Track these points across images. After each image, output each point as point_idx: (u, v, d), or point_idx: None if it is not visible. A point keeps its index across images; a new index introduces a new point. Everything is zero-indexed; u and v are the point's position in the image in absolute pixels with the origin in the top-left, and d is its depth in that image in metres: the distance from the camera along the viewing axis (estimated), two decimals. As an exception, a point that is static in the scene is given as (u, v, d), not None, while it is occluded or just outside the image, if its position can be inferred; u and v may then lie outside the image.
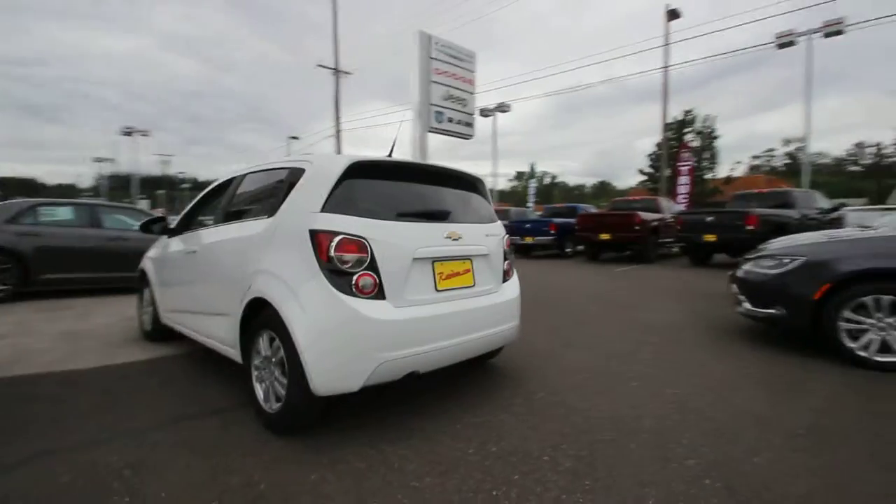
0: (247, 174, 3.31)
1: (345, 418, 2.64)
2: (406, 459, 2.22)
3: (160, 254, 4.13)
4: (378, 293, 2.36)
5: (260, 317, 2.58)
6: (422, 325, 2.47)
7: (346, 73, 32.25)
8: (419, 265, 2.56)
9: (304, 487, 1.98)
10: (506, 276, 3.18)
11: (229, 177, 3.57)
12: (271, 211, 2.73)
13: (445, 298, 2.66)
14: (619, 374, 3.41)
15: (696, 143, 29.53)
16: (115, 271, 7.14)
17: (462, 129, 21.60)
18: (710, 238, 10.81)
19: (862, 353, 3.47)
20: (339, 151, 32.10)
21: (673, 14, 17.50)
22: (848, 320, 3.53)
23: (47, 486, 1.99)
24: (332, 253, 2.31)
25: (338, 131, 32.31)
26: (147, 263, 4.37)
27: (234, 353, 2.89)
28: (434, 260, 2.65)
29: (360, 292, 2.31)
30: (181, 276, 3.62)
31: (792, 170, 64.83)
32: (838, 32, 13.26)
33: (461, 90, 21.47)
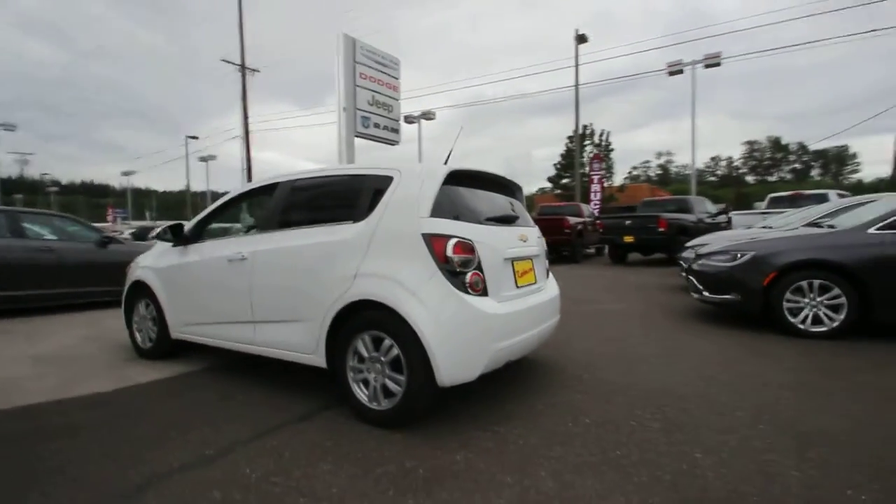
0: (296, 180, 3.30)
1: (438, 410, 2.81)
2: (524, 437, 2.49)
3: (170, 262, 3.84)
4: (484, 290, 2.61)
5: (358, 319, 2.67)
6: (515, 317, 2.76)
7: (254, 70, 30.56)
8: (505, 264, 2.85)
9: (460, 466, 2.17)
10: (547, 273, 3.58)
11: (265, 184, 3.51)
12: (357, 216, 2.82)
13: (523, 294, 2.98)
14: (632, 356, 3.98)
15: (595, 154, 32.84)
16: (43, 288, 6.25)
17: (388, 135, 21.65)
18: (629, 239, 12.32)
19: (800, 326, 4.44)
20: (248, 153, 30.18)
21: (582, 38, 19.48)
22: (788, 300, 4.50)
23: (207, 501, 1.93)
24: (449, 254, 2.51)
25: (246, 132, 30.36)
26: (146, 274, 4.02)
27: (313, 359, 2.90)
28: (514, 259, 2.95)
29: (472, 290, 2.54)
30: (219, 285, 3.45)
31: (663, 179, 74.80)
32: (717, 64, 16.04)
33: (386, 96, 21.57)
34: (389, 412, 2.58)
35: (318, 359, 2.88)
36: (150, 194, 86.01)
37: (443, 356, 2.41)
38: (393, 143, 22.36)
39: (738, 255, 4.86)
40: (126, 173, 52.69)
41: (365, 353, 2.67)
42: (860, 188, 45.90)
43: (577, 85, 19.25)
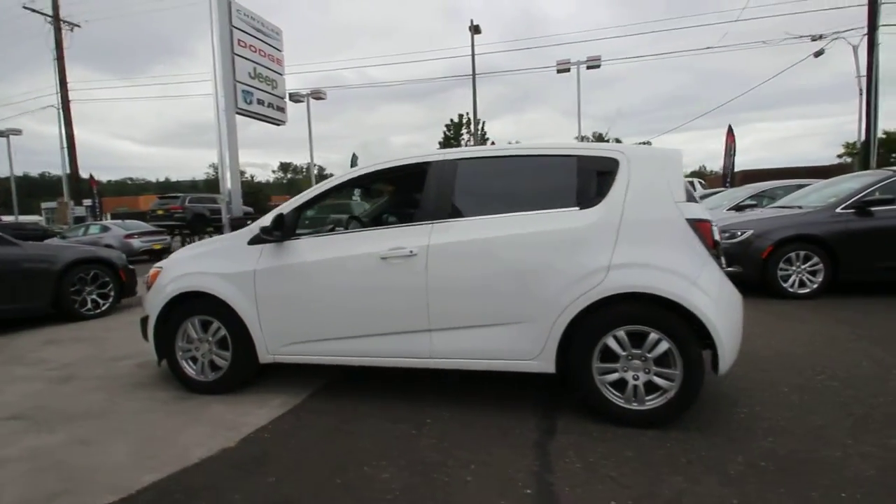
0: (460, 160, 2.79)
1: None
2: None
3: (260, 266, 2.92)
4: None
5: (608, 315, 2.43)
6: None
7: (73, 24, 24.28)
8: None
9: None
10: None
11: (400, 164, 2.91)
12: (584, 202, 2.55)
13: None
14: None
15: (472, 144, 34.37)
16: None
17: (273, 114, 19.66)
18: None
19: (790, 290, 5.42)
20: (69, 129, 23.95)
21: (476, 29, 20.05)
22: (781, 269, 5.44)
23: None
24: (716, 238, 2.44)
25: (65, 101, 24.03)
26: (211, 283, 2.98)
27: (533, 364, 2.55)
28: None
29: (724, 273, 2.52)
30: (367, 290, 2.74)
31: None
32: (598, 66, 18.17)
33: (269, 69, 19.46)
34: (656, 410, 2.42)
35: (542, 364, 2.54)
36: None
37: (729, 345, 2.35)
38: (278, 122, 20.33)
39: (739, 233, 5.68)
40: None
41: (620, 351, 2.44)
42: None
43: (473, 74, 19.84)
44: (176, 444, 2.41)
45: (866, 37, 17.01)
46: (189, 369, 3.13)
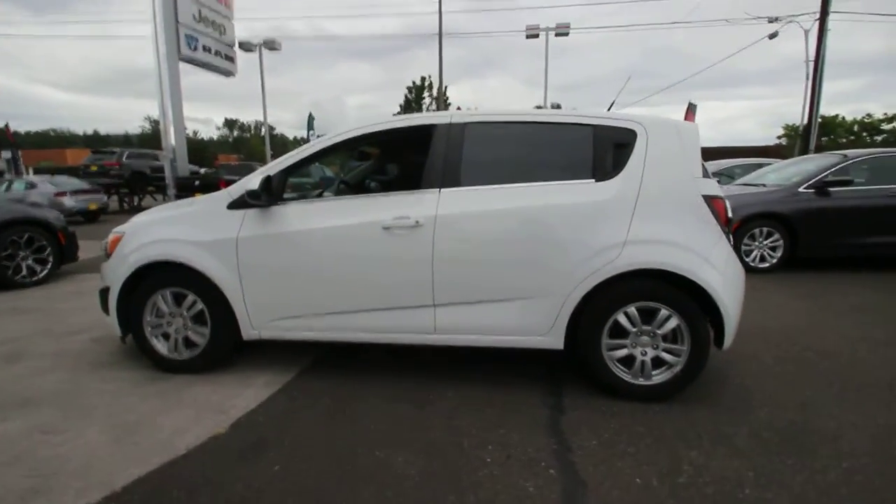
0: (467, 124, 2.60)
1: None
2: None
3: (242, 233, 2.64)
4: None
5: (620, 290, 2.39)
6: None
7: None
8: None
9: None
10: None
11: (399, 126, 2.69)
12: (600, 173, 2.45)
13: None
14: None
15: (434, 108, 33.53)
16: None
17: (222, 63, 18.41)
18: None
19: (752, 264, 5.70)
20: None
21: (442, -15, 19.11)
22: (745, 244, 5.70)
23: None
24: (729, 216, 2.44)
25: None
26: (185, 252, 2.67)
27: (542, 341, 2.50)
28: None
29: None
30: (366, 261, 2.54)
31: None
32: (566, 34, 18.00)
33: (217, 12, 17.98)
34: (662, 385, 2.44)
35: (552, 340, 2.49)
36: None
37: (734, 321, 2.38)
38: (227, 73, 18.92)
39: (708, 209, 5.86)
40: None
41: (630, 327, 2.42)
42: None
43: (440, 34, 19.03)
44: (159, 431, 2.18)
45: (818, 22, 17.81)
46: (160, 346, 2.84)
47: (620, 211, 2.40)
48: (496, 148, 2.66)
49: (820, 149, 15.90)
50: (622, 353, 2.47)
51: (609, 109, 2.82)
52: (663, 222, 2.39)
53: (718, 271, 2.35)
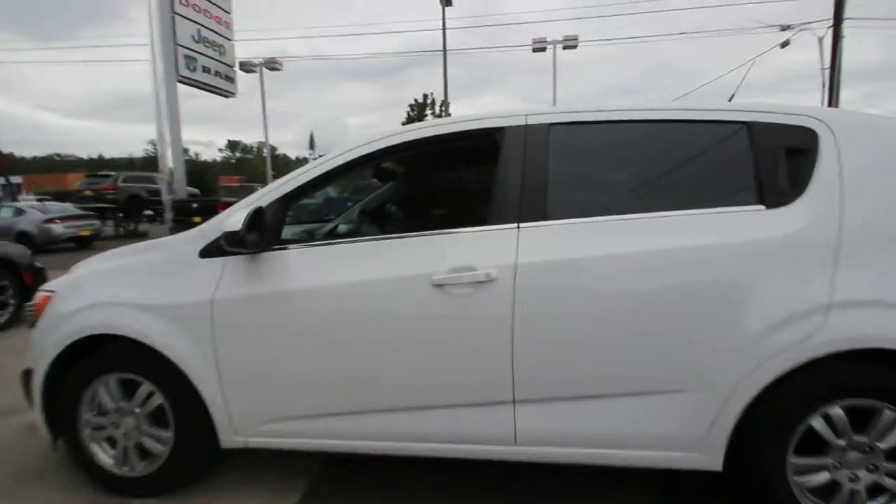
0: (552, 126, 1.74)
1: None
2: None
3: (220, 294, 1.76)
4: None
5: (822, 380, 1.50)
6: None
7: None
8: None
9: None
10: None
11: (456, 129, 1.83)
12: (771, 197, 1.58)
13: None
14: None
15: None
16: None
17: (221, 84, 17.78)
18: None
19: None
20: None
21: (448, 1, 18.66)
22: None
23: None
24: None
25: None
26: (139, 323, 1.80)
27: (687, 458, 1.59)
28: None
29: None
30: (405, 334, 1.67)
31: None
32: (574, 46, 17.35)
33: (217, 33, 17.48)
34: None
35: (702, 457, 1.59)
36: None
37: None
38: (227, 94, 18.35)
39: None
40: None
41: (833, 438, 1.52)
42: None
43: (444, 49, 18.46)
44: None
45: (831, 29, 17.20)
46: (103, 457, 1.94)
47: (814, 254, 1.52)
48: (599, 161, 1.80)
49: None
50: (819, 478, 1.55)
51: (730, 99, 1.97)
52: (885, 271, 1.50)
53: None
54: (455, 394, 1.69)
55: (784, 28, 20.63)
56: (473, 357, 1.65)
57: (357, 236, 2.07)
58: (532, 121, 1.77)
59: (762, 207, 1.58)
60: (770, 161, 1.62)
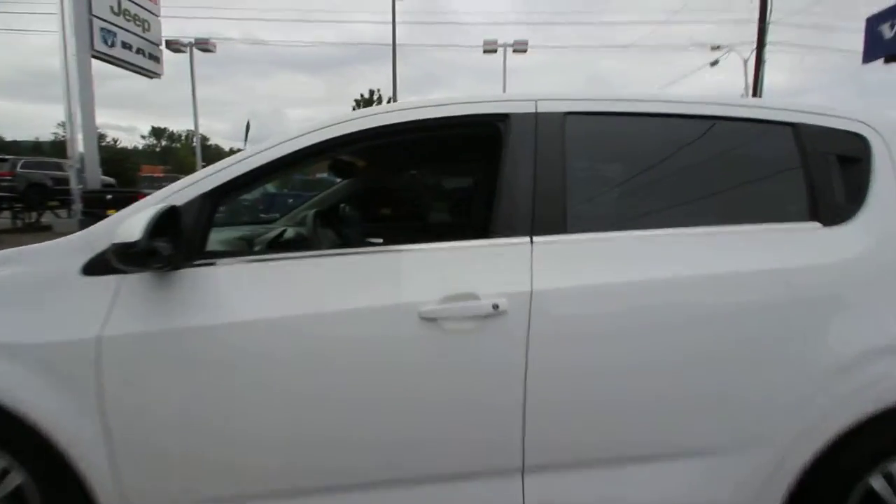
0: (568, 115, 1.39)
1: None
2: None
3: (143, 329, 1.24)
4: None
5: (884, 436, 1.26)
6: None
7: None
8: None
9: None
10: None
11: (449, 113, 1.42)
12: (827, 212, 1.32)
13: None
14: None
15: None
16: None
17: (144, 63, 16.19)
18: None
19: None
20: None
21: (397, -7, 18.15)
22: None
23: None
24: None
25: None
26: (14, 377, 1.24)
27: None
28: None
29: None
30: (384, 385, 1.24)
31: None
32: (524, 51, 17.49)
33: (139, 6, 15.82)
34: None
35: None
36: None
37: None
38: (151, 74, 16.76)
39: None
40: None
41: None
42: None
43: (394, 44, 17.90)
44: None
45: (755, 52, 18.62)
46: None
47: (880, 282, 1.28)
48: (624, 159, 1.47)
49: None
50: (877, 548, 1.32)
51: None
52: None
53: None
54: (451, 460, 1.28)
55: (714, 48, 22.13)
56: (475, 413, 1.25)
57: (313, 248, 1.60)
58: (543, 107, 1.40)
59: (818, 224, 1.32)
60: (822, 170, 1.36)
